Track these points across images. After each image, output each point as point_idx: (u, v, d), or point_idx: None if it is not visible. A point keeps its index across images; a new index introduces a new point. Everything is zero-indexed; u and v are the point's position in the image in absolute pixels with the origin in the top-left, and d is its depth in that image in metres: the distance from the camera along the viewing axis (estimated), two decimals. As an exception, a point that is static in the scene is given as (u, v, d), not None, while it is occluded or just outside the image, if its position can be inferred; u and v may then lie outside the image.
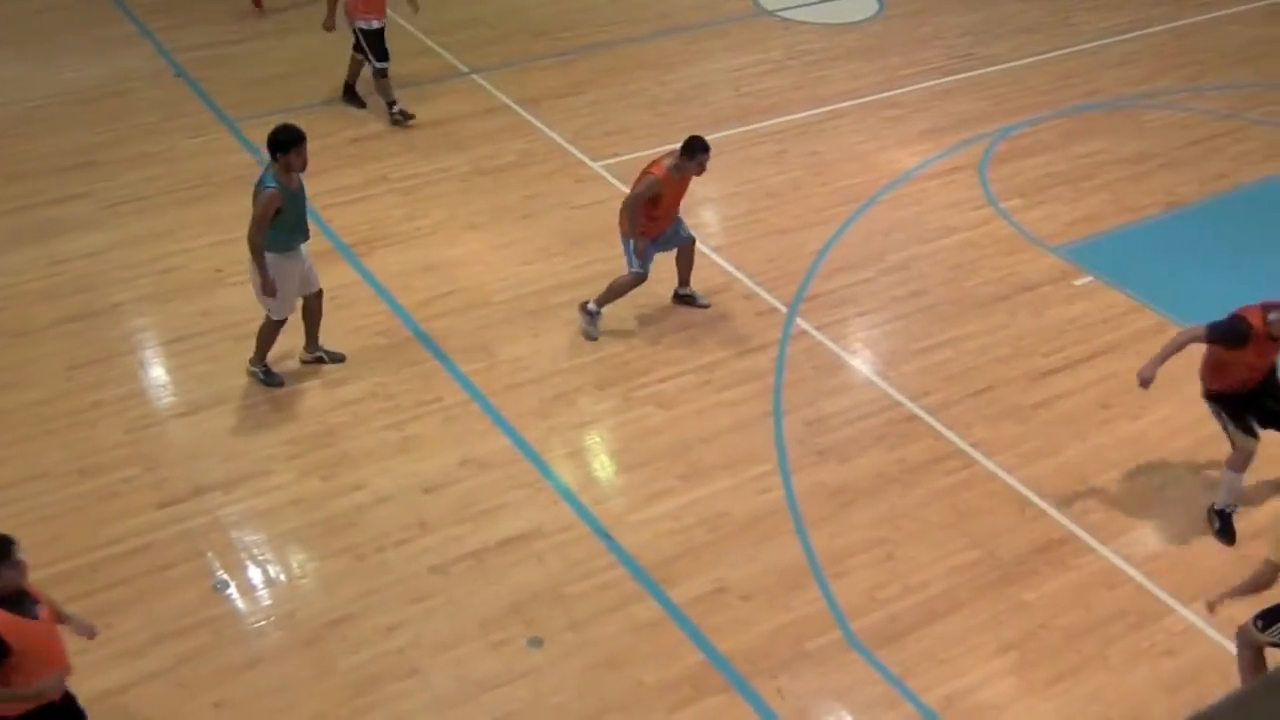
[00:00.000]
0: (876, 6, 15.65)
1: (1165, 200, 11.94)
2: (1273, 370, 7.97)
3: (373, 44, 12.64)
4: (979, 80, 14.14)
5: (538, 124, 13.00)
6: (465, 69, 14.03)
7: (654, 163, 9.68)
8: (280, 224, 8.65)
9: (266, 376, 9.37)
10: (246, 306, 9.48)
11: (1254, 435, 8.02)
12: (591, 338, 9.91)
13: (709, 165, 9.55)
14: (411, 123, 12.80)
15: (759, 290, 10.53)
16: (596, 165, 12.27)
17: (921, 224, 11.51)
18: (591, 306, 9.96)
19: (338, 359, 9.57)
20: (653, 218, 9.70)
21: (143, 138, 12.59)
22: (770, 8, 15.49)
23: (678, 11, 15.33)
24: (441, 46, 14.45)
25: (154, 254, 10.85)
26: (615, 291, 9.92)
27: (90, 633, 6.30)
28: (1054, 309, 10.42)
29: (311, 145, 12.14)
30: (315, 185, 11.41)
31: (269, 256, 8.70)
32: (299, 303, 9.24)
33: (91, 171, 12.01)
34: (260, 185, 8.61)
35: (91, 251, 10.86)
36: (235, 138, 12.52)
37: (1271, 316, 7.60)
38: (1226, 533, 8.19)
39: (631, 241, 9.75)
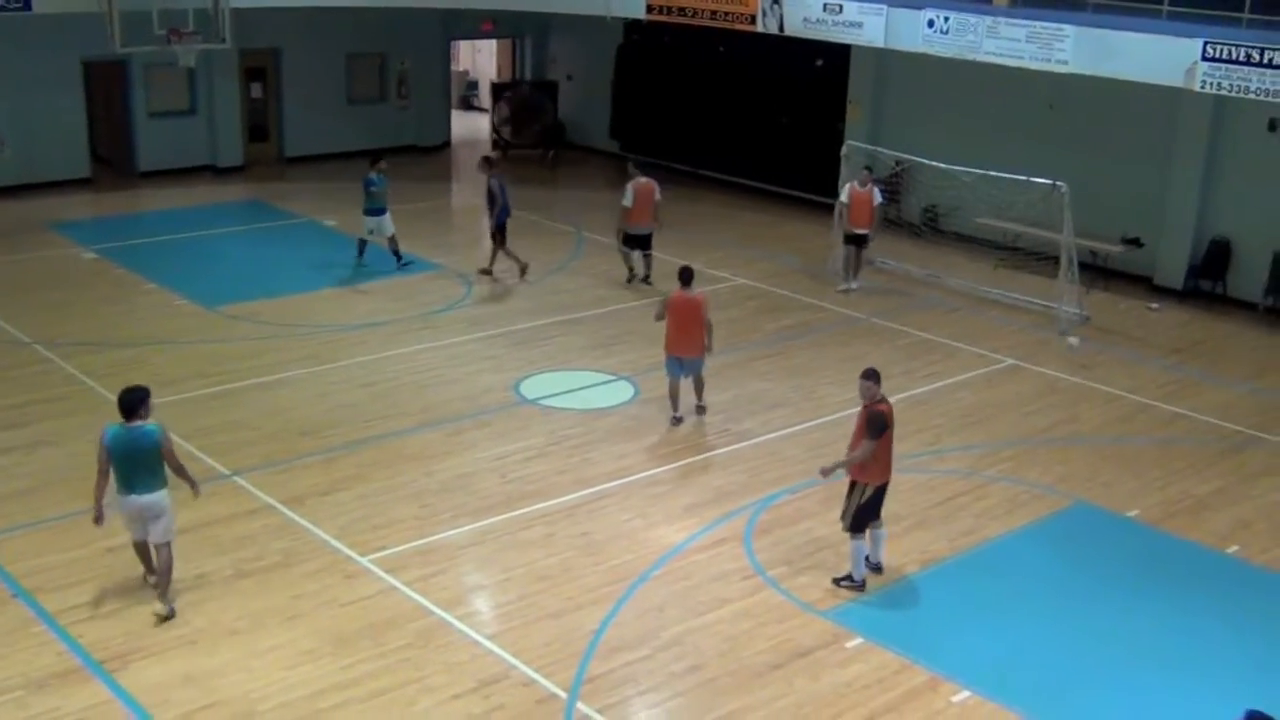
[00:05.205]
0: (632, 391, 16.34)
1: (921, 559, 12.44)
2: None
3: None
4: (735, 454, 14.72)
5: (302, 522, 12.80)
6: (227, 472, 13.83)
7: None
8: None
9: None
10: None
11: None
12: None
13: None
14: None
15: (537, 677, 10.34)
16: (365, 560, 12.08)
17: (694, 597, 11.64)
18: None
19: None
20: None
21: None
22: (531, 397, 16.01)
23: (440, 404, 15.64)
24: (202, 450, 14.23)
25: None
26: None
27: None
28: (829, 673, 10.54)
29: (61, 558, 11.85)
30: (60, 600, 10.92)
31: None
32: None
33: None
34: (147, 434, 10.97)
35: None
36: (-23, 556, 11.88)
37: None
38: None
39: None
